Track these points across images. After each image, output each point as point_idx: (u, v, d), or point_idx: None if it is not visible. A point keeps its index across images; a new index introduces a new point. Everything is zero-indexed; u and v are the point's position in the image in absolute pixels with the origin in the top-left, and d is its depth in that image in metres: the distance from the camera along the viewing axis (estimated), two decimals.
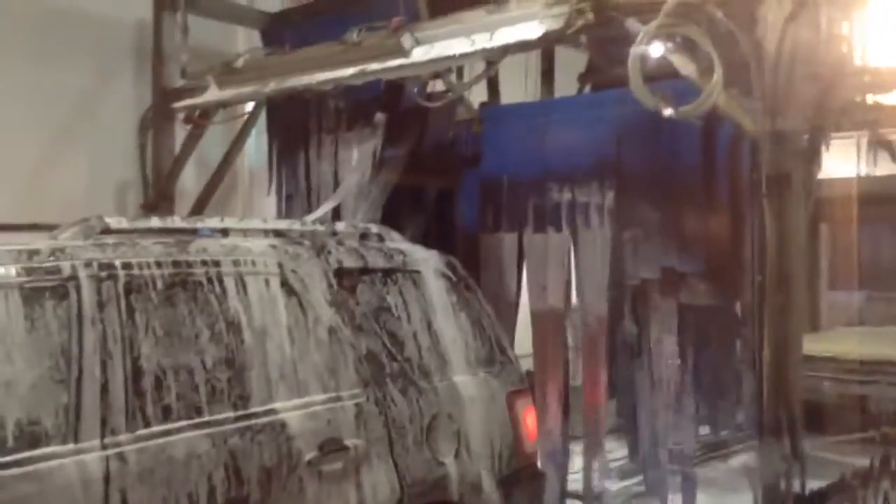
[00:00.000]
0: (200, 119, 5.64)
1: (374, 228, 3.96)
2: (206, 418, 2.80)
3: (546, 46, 5.62)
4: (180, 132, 6.20)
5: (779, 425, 3.50)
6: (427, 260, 3.86)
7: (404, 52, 4.30)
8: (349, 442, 3.15)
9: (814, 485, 4.15)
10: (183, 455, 2.68)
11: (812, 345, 6.23)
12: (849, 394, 6.92)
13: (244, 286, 3.08)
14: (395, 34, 4.30)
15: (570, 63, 6.51)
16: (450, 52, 4.24)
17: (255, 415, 2.93)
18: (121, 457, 2.55)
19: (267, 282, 3.17)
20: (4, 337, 2.44)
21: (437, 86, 5.57)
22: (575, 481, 5.52)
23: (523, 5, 4.00)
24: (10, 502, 2.32)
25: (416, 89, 5.04)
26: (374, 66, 4.47)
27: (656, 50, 3.70)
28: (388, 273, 3.64)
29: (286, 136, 6.10)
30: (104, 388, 2.58)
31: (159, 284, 2.82)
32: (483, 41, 4.11)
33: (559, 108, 5.59)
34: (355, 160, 5.39)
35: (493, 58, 4.50)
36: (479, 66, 5.10)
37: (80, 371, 2.54)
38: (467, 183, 5.74)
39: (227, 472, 2.78)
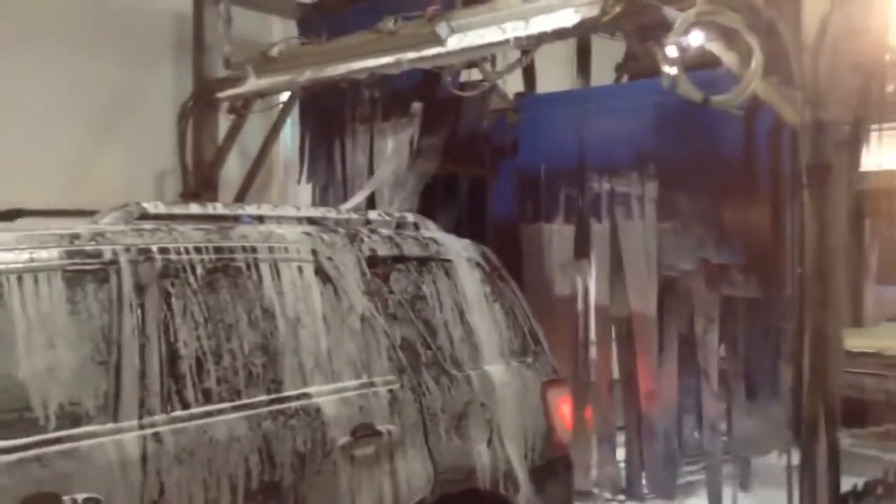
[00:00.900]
0: (243, 108, 5.70)
1: (410, 217, 3.97)
2: (243, 401, 2.84)
3: (582, 35, 5.57)
4: (222, 121, 6.29)
5: (817, 420, 3.45)
6: (461, 249, 3.86)
7: (440, 41, 4.30)
8: (382, 428, 3.18)
9: (857, 481, 4.09)
10: (221, 437, 2.73)
11: (855, 340, 6.12)
12: (892, 390, 6.77)
13: (279, 273, 3.11)
14: (430, 23, 4.30)
15: (608, 52, 6.46)
16: (485, 41, 4.23)
17: (289, 398, 2.97)
18: (157, 437, 2.61)
19: (301, 269, 3.20)
20: (47, 319, 2.50)
21: (472, 75, 5.58)
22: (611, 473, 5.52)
23: None
24: (53, 479, 2.38)
25: (449, 79, 5.04)
26: (410, 55, 4.48)
27: (695, 38, 3.66)
28: (422, 262, 3.65)
29: (320, 126, 6.15)
30: (142, 371, 2.63)
31: (197, 269, 2.87)
32: (518, 29, 4.09)
33: (597, 97, 5.56)
34: (391, 150, 5.41)
35: (528, 46, 4.48)
36: (515, 55, 5.08)
37: (119, 353, 2.60)
38: (502, 173, 5.74)
39: (262, 455, 2.82)
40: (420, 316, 3.53)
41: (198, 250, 2.91)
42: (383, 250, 3.52)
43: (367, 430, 3.13)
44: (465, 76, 5.37)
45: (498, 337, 3.80)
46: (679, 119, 4.88)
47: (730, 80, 3.80)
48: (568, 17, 3.93)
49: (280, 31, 7.00)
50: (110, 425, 2.54)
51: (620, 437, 5.70)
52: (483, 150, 5.70)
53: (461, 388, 3.52)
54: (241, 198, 6.28)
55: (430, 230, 3.95)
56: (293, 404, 2.97)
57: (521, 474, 3.68)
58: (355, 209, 4.24)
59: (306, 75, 5.01)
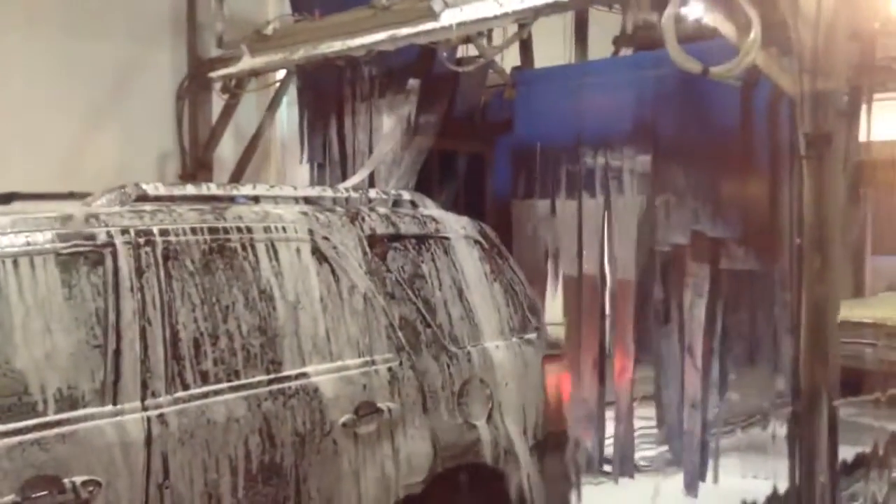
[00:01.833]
0: (236, 88, 5.66)
1: (407, 195, 3.96)
2: (243, 381, 2.84)
3: (579, 8, 5.53)
4: (216, 101, 6.24)
5: (816, 390, 3.46)
6: (460, 227, 3.85)
7: (434, 16, 4.26)
8: (383, 405, 3.19)
9: (857, 450, 4.11)
10: (222, 418, 2.73)
11: (854, 310, 6.13)
12: (890, 359, 6.80)
13: (276, 253, 3.11)
14: None
15: (606, 25, 6.41)
16: (480, 15, 4.19)
17: (289, 378, 2.97)
18: (162, 419, 2.61)
19: (298, 249, 3.19)
20: (43, 302, 2.49)
21: (469, 51, 5.54)
22: (609, 447, 5.55)
23: None
24: (53, 462, 2.39)
25: (445, 54, 5.00)
26: (405, 30, 4.44)
27: (693, 9, 3.62)
28: (421, 240, 3.64)
29: (318, 105, 6.12)
30: (144, 353, 2.63)
31: (196, 251, 2.86)
32: (514, 3, 4.05)
33: (593, 71, 5.53)
34: (388, 127, 5.38)
35: (525, 20, 4.44)
36: (512, 30, 5.04)
37: (118, 336, 2.59)
38: (500, 149, 5.71)
39: (262, 434, 2.83)
40: (419, 294, 3.53)
41: (194, 231, 2.90)
42: (382, 229, 3.51)
43: (369, 409, 3.14)
44: (461, 52, 5.33)
45: (497, 314, 3.80)
46: (676, 92, 4.85)
47: (727, 52, 3.77)
48: None
49: (274, 8, 6.94)
50: (109, 408, 2.54)
51: (612, 411, 5.73)
52: (481, 126, 5.67)
53: (461, 365, 3.53)
54: (236, 178, 6.26)
55: (429, 208, 3.94)
56: (292, 384, 2.98)
57: (521, 449, 3.70)
58: (355, 188, 4.22)
59: (301, 53, 4.97)
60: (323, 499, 2.98)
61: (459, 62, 5.18)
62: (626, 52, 6.46)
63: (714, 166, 4.92)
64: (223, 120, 6.09)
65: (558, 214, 5.33)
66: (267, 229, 3.12)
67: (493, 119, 5.69)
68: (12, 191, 3.57)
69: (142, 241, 2.74)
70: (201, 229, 2.92)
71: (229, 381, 2.83)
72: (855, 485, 4.38)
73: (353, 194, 3.74)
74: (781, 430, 6.20)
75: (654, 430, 6.01)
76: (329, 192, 3.69)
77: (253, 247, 3.04)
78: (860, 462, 3.95)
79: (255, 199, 3.34)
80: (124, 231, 2.72)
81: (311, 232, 3.25)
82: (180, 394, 2.69)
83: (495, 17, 4.24)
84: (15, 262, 2.48)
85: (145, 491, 2.55)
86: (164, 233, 2.81)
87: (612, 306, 5.33)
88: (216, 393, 2.77)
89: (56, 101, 5.93)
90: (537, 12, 4.12)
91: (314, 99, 6.12)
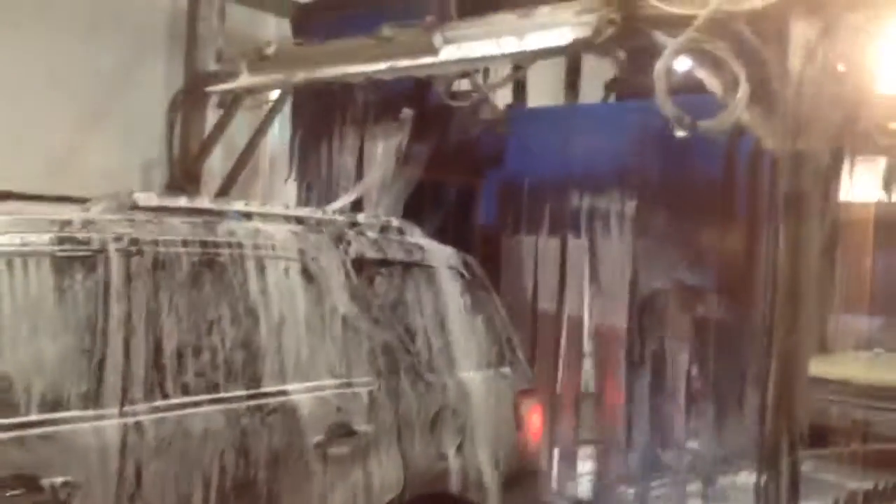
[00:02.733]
0: (232, 104, 5.73)
1: (395, 222, 4.01)
2: (222, 395, 2.87)
3: (575, 54, 5.68)
4: (210, 115, 6.30)
5: (780, 442, 3.54)
6: (445, 257, 3.91)
7: (434, 51, 4.36)
8: (358, 428, 3.22)
9: None
10: (199, 430, 2.76)
11: (819, 367, 6.23)
12: (855, 418, 6.90)
13: (264, 270, 3.15)
14: (426, 33, 4.37)
15: (598, 71, 6.56)
16: (478, 54, 4.30)
17: (268, 395, 3.01)
18: (138, 426, 2.63)
19: (287, 267, 3.24)
20: (36, 303, 2.52)
21: (462, 85, 5.65)
22: (578, 486, 5.59)
23: (553, 12, 4.06)
24: (34, 462, 2.40)
25: (441, 88, 5.11)
26: (405, 62, 4.54)
27: (682, 64, 3.75)
28: (406, 267, 3.70)
29: (311, 126, 6.18)
30: (127, 360, 2.66)
31: (185, 263, 2.90)
32: (512, 45, 4.17)
33: (584, 115, 5.66)
34: (380, 154, 5.46)
35: (521, 62, 4.57)
36: (507, 68, 5.16)
37: (104, 341, 2.62)
38: (489, 183, 5.81)
39: (238, 449, 2.85)
40: (401, 320, 3.58)
41: (185, 244, 2.94)
42: (369, 253, 3.57)
43: (343, 430, 3.18)
44: (456, 86, 5.44)
45: (475, 345, 3.86)
46: (661, 140, 4.96)
47: (712, 105, 3.90)
48: (562, 36, 4.01)
49: (273, 27, 7.04)
50: (91, 412, 2.56)
51: (588, 450, 5.78)
52: (471, 160, 5.76)
53: (436, 394, 3.57)
54: (224, 192, 6.29)
55: (415, 236, 4.00)
56: (271, 401, 3.01)
57: (491, 481, 3.73)
58: (342, 210, 4.28)
59: (300, 76, 5.05)
60: None
61: (454, 96, 5.29)
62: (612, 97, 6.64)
63: (695, 215, 5.04)
64: (215, 134, 6.14)
65: (542, 252, 5.42)
66: (257, 246, 3.16)
67: (483, 153, 5.79)
68: (7, 190, 3.61)
69: (133, 249, 2.78)
70: (192, 242, 2.97)
71: (209, 393, 2.86)
72: None
73: (344, 217, 3.80)
74: (748, 479, 6.30)
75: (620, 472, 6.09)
76: (319, 214, 3.75)
77: (242, 263, 3.09)
78: None
79: (247, 216, 3.39)
80: (117, 238, 2.76)
81: (300, 252, 3.30)
82: (159, 403, 2.72)
83: (493, 57, 4.35)
84: (9, 262, 2.51)
85: (118, 498, 2.56)
86: (154, 243, 2.85)
87: (594, 346, 5.41)
88: (195, 404, 2.80)
89: (49, 104, 5.94)
90: (534, 56, 4.24)
91: (307, 119, 6.19)
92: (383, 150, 5.43)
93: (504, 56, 4.28)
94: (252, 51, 5.48)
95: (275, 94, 6.33)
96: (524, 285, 5.53)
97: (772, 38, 3.59)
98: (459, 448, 3.60)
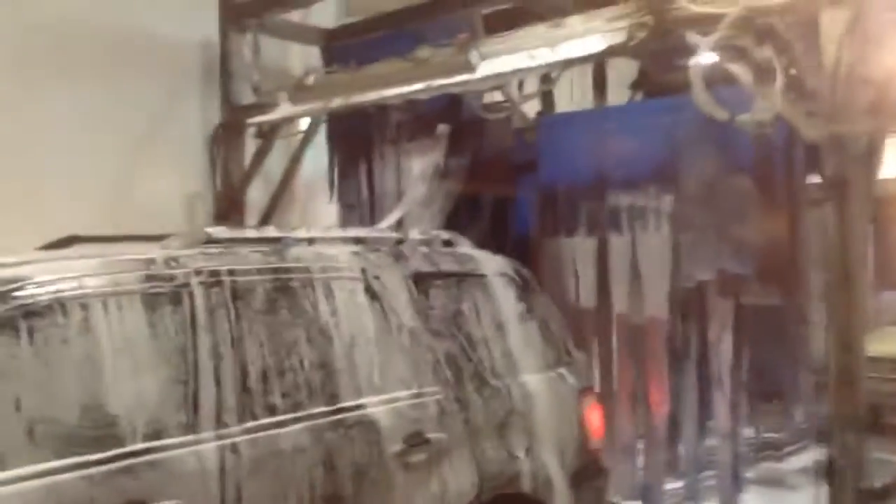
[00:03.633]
0: (270, 133, 5.90)
1: (444, 235, 4.13)
2: (305, 413, 3.00)
3: (604, 59, 5.78)
4: (248, 145, 6.47)
5: (845, 424, 3.60)
6: (496, 265, 4.03)
7: (471, 68, 4.49)
8: (432, 436, 3.34)
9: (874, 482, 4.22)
10: (288, 448, 2.89)
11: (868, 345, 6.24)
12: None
13: (332, 291, 3.28)
14: (462, 51, 4.49)
15: (621, 70, 6.66)
16: (513, 67, 4.42)
17: (347, 409, 3.13)
18: (234, 448, 2.77)
19: (352, 287, 3.37)
20: (131, 339, 2.67)
21: (494, 96, 5.77)
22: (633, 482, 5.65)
23: (585, 21, 4.17)
24: (143, 489, 2.55)
25: (475, 102, 5.24)
26: (441, 81, 4.66)
27: (709, 58, 3.84)
28: (460, 278, 3.82)
29: (348, 148, 6.34)
30: (217, 386, 2.80)
31: (260, 290, 3.04)
32: (546, 56, 4.28)
33: (616, 116, 5.75)
34: (418, 170, 5.59)
35: (554, 71, 4.68)
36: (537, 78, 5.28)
37: (196, 371, 2.77)
38: (523, 190, 5.92)
39: (325, 464, 2.98)
40: (461, 330, 3.69)
41: (259, 272, 3.08)
42: (424, 267, 3.69)
43: (419, 438, 3.30)
44: (487, 97, 5.56)
45: (533, 349, 3.95)
46: (694, 135, 5.06)
47: (742, 97, 3.99)
48: (595, 44, 4.12)
49: (299, 56, 7.20)
50: (190, 437, 2.70)
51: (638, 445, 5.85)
52: (506, 170, 5.88)
53: (501, 398, 3.68)
54: (266, 219, 6.46)
55: (465, 247, 4.12)
56: (351, 415, 3.14)
57: (558, 480, 3.82)
58: (392, 229, 4.41)
59: (337, 101, 5.20)
60: None
61: (487, 108, 5.42)
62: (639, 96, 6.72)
63: (733, 205, 5.12)
64: (255, 164, 6.31)
65: (582, 252, 5.51)
66: (324, 269, 3.30)
67: (517, 162, 5.91)
68: (73, 234, 3.78)
69: (213, 281, 2.92)
70: (265, 270, 3.11)
71: (294, 412, 2.99)
72: None
73: (398, 234, 3.93)
74: (800, 462, 6.33)
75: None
76: (375, 233, 3.88)
77: (312, 286, 3.22)
78: (885, 493, 4.07)
79: (310, 241, 3.53)
80: (198, 272, 2.91)
81: (363, 271, 3.43)
82: (250, 424, 2.85)
83: (527, 69, 4.46)
84: (104, 302, 2.66)
85: None
86: (231, 273, 3.00)
87: (641, 341, 5.49)
88: (282, 424, 2.93)
89: (94, 147, 6.14)
90: (566, 64, 4.35)
91: (344, 142, 6.35)
92: (422, 166, 5.57)
93: (539, 67, 4.39)
94: (292, 82, 5.64)
95: (305, 122, 6.51)
96: (567, 286, 5.63)
97: (802, 29, 3.67)
98: (528, 449, 3.70)
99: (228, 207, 6.25)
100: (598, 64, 6.42)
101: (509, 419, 3.67)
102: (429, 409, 3.40)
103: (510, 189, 6.04)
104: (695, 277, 5.24)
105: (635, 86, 6.43)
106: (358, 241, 3.70)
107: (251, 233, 3.33)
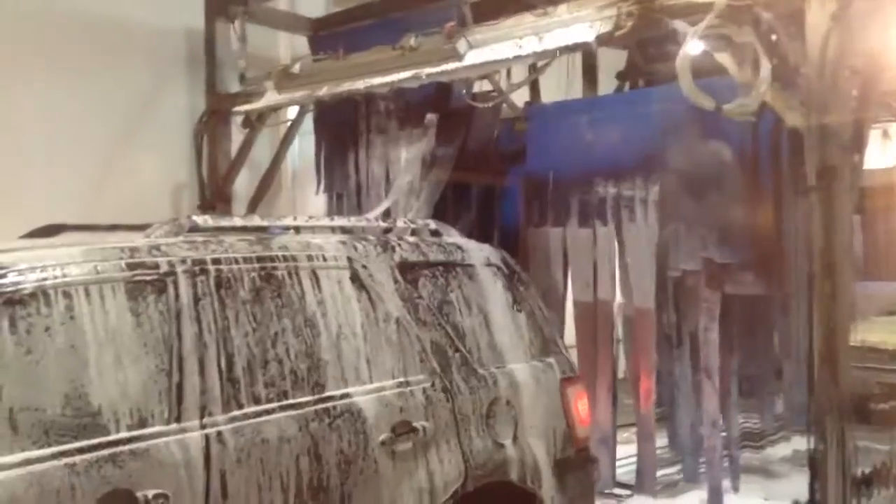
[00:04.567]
0: (257, 122, 5.86)
1: (432, 224, 4.12)
2: (291, 402, 2.99)
3: (592, 49, 5.76)
4: (234, 135, 6.44)
5: (830, 412, 3.63)
6: (483, 254, 4.02)
7: (459, 56, 4.47)
8: (418, 424, 3.34)
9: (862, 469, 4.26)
10: (274, 437, 2.89)
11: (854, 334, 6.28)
12: (886, 382, 6.94)
13: (318, 281, 3.27)
14: (450, 39, 4.47)
15: (608, 60, 6.66)
16: (501, 56, 4.40)
17: (333, 398, 3.13)
18: (219, 437, 2.76)
19: (338, 276, 3.35)
20: (114, 328, 2.65)
21: (483, 86, 5.76)
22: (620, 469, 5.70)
23: (572, 9, 4.16)
24: (128, 478, 2.53)
25: (463, 90, 5.22)
26: (429, 69, 4.65)
27: (696, 48, 3.84)
28: (447, 267, 3.81)
29: (336, 137, 6.31)
30: (202, 375, 2.78)
31: (246, 279, 3.02)
32: (533, 45, 4.27)
33: (603, 106, 5.75)
34: (406, 159, 5.58)
35: (542, 60, 4.66)
36: (526, 67, 5.26)
37: (180, 359, 2.75)
38: (511, 179, 5.91)
39: (311, 453, 2.97)
40: (448, 319, 3.69)
41: (244, 261, 3.06)
42: (411, 257, 3.68)
43: (405, 427, 3.29)
44: (476, 86, 5.55)
45: (519, 338, 3.95)
46: (681, 125, 5.07)
47: (729, 88, 3.99)
48: (582, 33, 4.11)
49: (286, 45, 7.17)
50: (174, 426, 2.68)
51: (624, 434, 5.89)
52: (493, 159, 5.87)
53: (488, 387, 3.68)
54: (252, 208, 6.44)
55: (452, 236, 4.11)
56: (337, 404, 3.13)
57: (545, 468, 3.83)
58: (380, 218, 4.40)
59: (324, 90, 5.17)
60: None
61: (475, 97, 5.40)
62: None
63: (719, 195, 5.13)
64: (243, 152, 6.28)
65: (571, 242, 5.52)
66: (310, 258, 3.28)
67: (504, 151, 5.90)
68: (60, 222, 3.75)
69: (197, 270, 2.90)
70: (250, 259, 3.09)
71: (279, 401, 2.98)
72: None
73: (385, 224, 3.91)
74: (780, 451, 6.39)
75: (660, 452, 6.18)
76: (362, 222, 3.86)
77: (298, 275, 3.21)
78: (871, 480, 4.10)
79: (297, 230, 3.51)
80: (183, 261, 2.88)
81: (349, 260, 3.42)
82: (235, 413, 2.84)
83: (515, 58, 4.45)
84: (87, 291, 2.64)
85: None
86: (216, 262, 2.98)
87: (628, 330, 5.50)
88: (267, 413, 2.92)
89: (79, 136, 6.11)
90: (555, 53, 4.34)
91: (332, 132, 6.32)
92: (409, 155, 5.55)
93: (527, 56, 4.38)
94: (279, 70, 5.60)
95: (293, 110, 6.47)
96: (554, 276, 5.64)
97: (788, 20, 3.68)
98: (515, 438, 3.71)
99: (214, 196, 6.22)
100: (588, 53, 6.41)
101: (496, 408, 3.67)
102: (415, 397, 3.40)
103: (498, 178, 6.03)
104: (680, 267, 5.26)
105: (622, 76, 6.42)
106: (345, 230, 3.69)
107: (237, 221, 3.30)
